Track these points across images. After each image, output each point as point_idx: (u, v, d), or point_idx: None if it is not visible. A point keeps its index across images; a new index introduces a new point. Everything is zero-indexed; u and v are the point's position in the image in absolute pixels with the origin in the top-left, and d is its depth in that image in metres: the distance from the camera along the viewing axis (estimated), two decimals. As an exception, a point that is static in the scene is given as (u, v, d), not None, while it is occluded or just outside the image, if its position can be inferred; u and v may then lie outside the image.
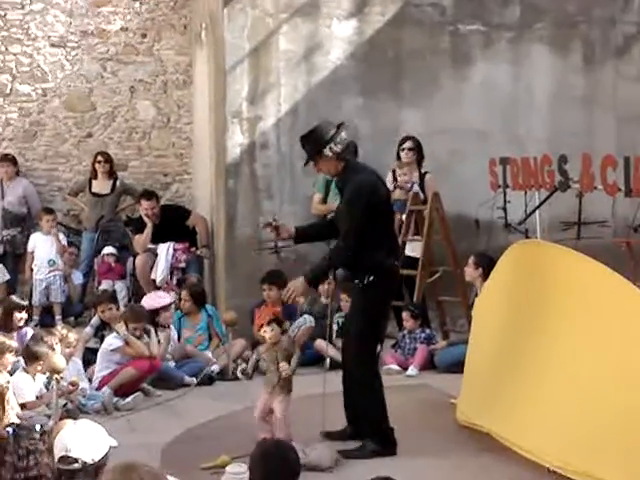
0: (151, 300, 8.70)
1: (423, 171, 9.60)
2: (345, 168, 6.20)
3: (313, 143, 6.16)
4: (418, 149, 9.60)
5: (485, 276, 7.90)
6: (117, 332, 7.87)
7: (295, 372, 6.38)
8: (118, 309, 8.61)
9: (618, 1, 10.50)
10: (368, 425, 6.26)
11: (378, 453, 6.09)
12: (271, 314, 6.63)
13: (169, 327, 8.55)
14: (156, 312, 8.56)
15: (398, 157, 9.62)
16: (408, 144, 9.59)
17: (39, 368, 6.66)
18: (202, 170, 11.30)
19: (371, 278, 6.07)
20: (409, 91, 10.19)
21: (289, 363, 6.32)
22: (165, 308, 8.59)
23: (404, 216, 9.34)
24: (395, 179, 9.45)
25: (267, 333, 6.45)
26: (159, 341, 8.17)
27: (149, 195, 10.50)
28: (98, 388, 7.60)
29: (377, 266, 6.11)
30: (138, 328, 7.93)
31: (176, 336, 8.66)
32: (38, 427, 5.04)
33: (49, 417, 5.90)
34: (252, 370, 6.61)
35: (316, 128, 6.24)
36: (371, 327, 6.19)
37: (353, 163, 6.35)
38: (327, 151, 6.10)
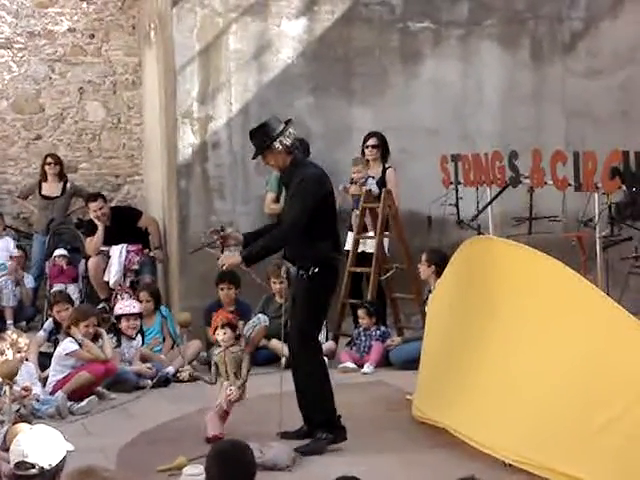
0: (120, 310, 8.69)
1: (387, 166, 9.62)
2: (292, 163, 6.34)
3: (263, 137, 6.30)
4: (382, 145, 9.62)
5: (438, 273, 7.94)
6: (72, 336, 7.79)
7: (247, 378, 6.42)
8: (83, 302, 8.58)
9: (565, -3, 10.61)
10: (317, 414, 6.33)
11: (331, 441, 6.21)
12: (224, 318, 6.64)
13: (134, 337, 8.53)
14: (119, 319, 8.55)
15: (363, 153, 9.64)
16: (372, 141, 9.62)
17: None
18: (153, 171, 11.24)
19: (316, 270, 6.20)
20: (360, 89, 10.20)
21: (240, 369, 6.37)
22: (131, 316, 8.57)
23: (354, 212, 9.38)
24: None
25: (220, 336, 6.48)
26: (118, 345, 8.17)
27: (95, 197, 10.43)
28: (52, 392, 7.51)
29: (322, 258, 6.25)
30: (89, 325, 7.86)
31: (140, 344, 8.61)
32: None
33: (2, 423, 5.84)
34: (215, 376, 6.63)
35: (265, 123, 6.41)
36: (314, 318, 6.35)
37: (300, 158, 6.47)
38: (277, 144, 6.25)
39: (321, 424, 6.28)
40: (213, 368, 6.63)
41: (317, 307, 6.37)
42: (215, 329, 6.64)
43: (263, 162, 6.55)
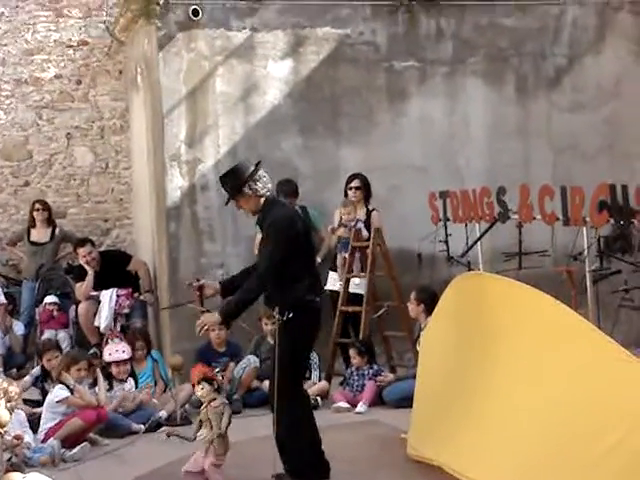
0: (109, 356, 8.64)
1: (370, 207, 9.63)
2: (264, 205, 6.31)
3: (233, 182, 6.29)
4: (365, 187, 9.64)
5: (428, 310, 7.94)
6: (63, 383, 7.73)
7: (225, 431, 6.32)
8: (73, 347, 8.54)
9: (548, 35, 10.69)
10: (287, 461, 6.25)
11: None
12: (200, 373, 6.60)
13: (125, 380, 8.49)
14: (109, 364, 8.51)
15: (346, 195, 9.66)
16: (355, 183, 9.63)
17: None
18: (142, 215, 11.24)
19: (291, 315, 6.12)
20: (347, 129, 10.26)
21: (220, 422, 6.29)
22: (122, 362, 8.54)
23: (347, 254, 9.37)
24: (341, 217, 9.47)
25: (199, 392, 6.47)
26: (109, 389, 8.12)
27: (83, 242, 10.44)
28: (44, 440, 7.44)
29: (297, 302, 6.17)
30: (81, 369, 7.82)
31: (133, 387, 8.55)
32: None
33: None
34: (196, 432, 6.58)
35: (235, 168, 6.41)
36: (292, 362, 6.23)
37: (271, 200, 6.41)
38: (247, 189, 6.24)
39: (289, 471, 6.22)
40: (196, 424, 6.58)
41: (296, 352, 6.24)
42: (194, 385, 6.62)
43: (236, 207, 6.50)
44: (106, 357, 8.69)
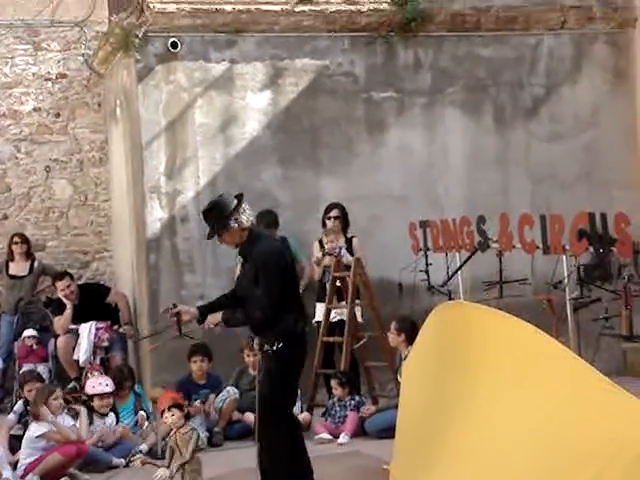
0: (92, 389, 8.58)
1: (349, 236, 9.63)
2: (248, 238, 6.32)
3: (217, 217, 6.29)
4: (343, 216, 9.66)
5: (409, 340, 7.93)
6: (40, 419, 7.65)
7: (195, 457, 6.28)
8: (52, 382, 8.46)
9: (525, 65, 10.77)
10: None
11: None
12: (170, 399, 6.57)
13: (107, 415, 8.43)
14: (91, 398, 8.45)
15: (324, 224, 9.66)
16: (334, 212, 9.65)
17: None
18: (122, 247, 11.20)
19: (280, 345, 6.14)
20: (326, 159, 10.28)
21: (187, 448, 6.29)
22: (104, 395, 8.48)
23: (328, 283, 9.36)
24: (322, 246, 9.46)
25: (169, 419, 6.45)
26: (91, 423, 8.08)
27: (61, 275, 10.40)
28: (23, 476, 7.38)
29: (285, 332, 6.19)
30: (58, 397, 7.76)
31: (115, 422, 8.48)
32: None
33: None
34: (169, 460, 6.55)
35: (217, 202, 6.40)
36: (279, 392, 6.25)
37: (255, 232, 6.44)
38: (232, 223, 6.24)
39: None
40: (168, 452, 6.53)
41: (281, 382, 6.26)
42: (162, 412, 6.58)
43: (218, 241, 6.49)
44: (89, 390, 8.63)
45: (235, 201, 6.31)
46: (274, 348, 6.14)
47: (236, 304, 6.47)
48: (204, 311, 6.50)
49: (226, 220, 6.22)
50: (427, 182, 10.42)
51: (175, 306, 6.51)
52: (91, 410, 8.42)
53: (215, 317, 6.36)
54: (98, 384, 8.64)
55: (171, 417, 6.45)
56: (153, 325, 9.54)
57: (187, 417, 6.57)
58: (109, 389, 8.59)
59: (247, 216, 6.30)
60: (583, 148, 10.78)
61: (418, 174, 10.41)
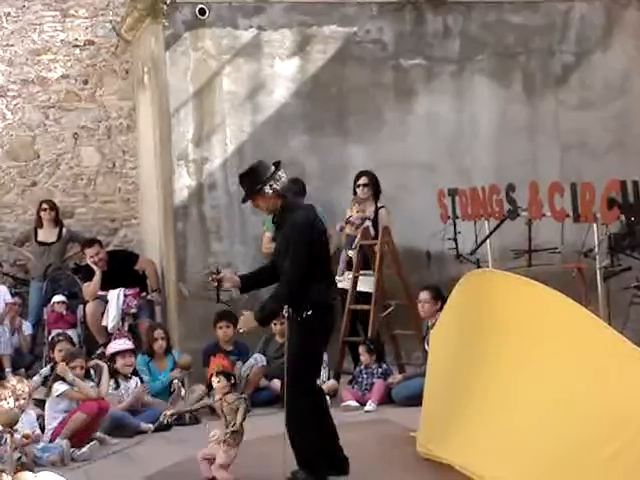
0: (113, 349, 8.64)
1: (379, 205, 9.60)
2: (282, 206, 6.34)
3: (253, 181, 6.31)
4: (373, 184, 9.61)
5: (440, 308, 7.92)
6: (62, 378, 7.72)
7: (242, 426, 6.35)
8: (81, 348, 8.52)
9: (555, 32, 10.65)
10: (298, 454, 6.27)
11: None
12: (220, 365, 6.61)
13: (130, 377, 8.47)
14: (113, 359, 8.49)
15: (354, 192, 9.63)
16: (363, 180, 9.61)
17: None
18: (150, 214, 11.22)
19: (309, 313, 6.16)
20: (354, 127, 10.23)
21: (235, 417, 6.32)
22: (123, 354, 8.51)
23: (351, 252, 9.34)
24: (350, 215, 9.44)
25: (215, 384, 6.52)
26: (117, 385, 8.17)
27: (91, 242, 10.46)
28: (51, 440, 7.44)
29: (316, 301, 6.22)
30: (76, 367, 7.81)
31: (138, 385, 8.52)
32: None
33: (3, 472, 5.76)
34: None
35: (255, 167, 6.42)
36: (306, 361, 6.28)
37: (290, 200, 6.46)
38: (267, 189, 6.26)
39: (301, 463, 6.25)
40: (198, 397, 6.59)
41: (310, 351, 6.30)
42: (211, 376, 6.61)
43: (252, 205, 6.54)
44: (109, 350, 8.67)
45: (272, 168, 6.33)
46: (303, 316, 6.16)
47: (275, 277, 6.46)
48: (245, 282, 6.52)
49: (262, 185, 6.24)
50: (455, 150, 10.36)
51: (219, 272, 6.50)
52: (116, 373, 8.44)
53: (247, 321, 6.37)
54: (118, 344, 8.69)
55: (217, 383, 6.49)
56: (180, 291, 9.56)
57: (234, 386, 6.59)
58: (127, 346, 8.62)
59: (283, 184, 6.31)
60: (614, 116, 10.67)
61: (446, 142, 10.35)
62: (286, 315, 6.26)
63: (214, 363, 6.70)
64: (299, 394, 6.23)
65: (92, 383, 7.91)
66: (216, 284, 6.43)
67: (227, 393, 6.46)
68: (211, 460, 6.39)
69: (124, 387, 8.41)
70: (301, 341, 6.21)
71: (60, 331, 9.82)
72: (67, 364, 7.81)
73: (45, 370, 8.47)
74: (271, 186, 6.24)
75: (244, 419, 6.37)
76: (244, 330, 6.48)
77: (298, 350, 6.23)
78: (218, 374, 6.50)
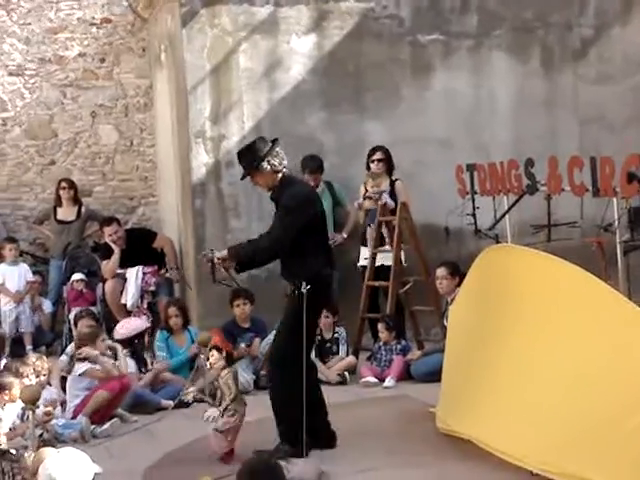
0: (125, 330, 8.64)
1: (394, 178, 9.58)
2: (281, 182, 6.40)
3: (250, 158, 6.39)
4: (387, 159, 9.59)
5: (460, 284, 7.91)
6: (84, 359, 7.76)
7: (230, 404, 6.38)
8: (101, 326, 8.51)
9: (574, 6, 10.56)
10: (283, 426, 6.35)
11: (290, 454, 6.16)
12: (214, 341, 6.67)
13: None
14: (131, 341, 8.52)
15: (368, 168, 9.61)
16: (377, 155, 9.59)
17: (6, 397, 6.57)
18: (168, 192, 11.24)
19: (308, 287, 6.20)
20: (371, 103, 10.20)
21: (230, 391, 6.38)
22: (140, 335, 8.55)
23: (370, 227, 9.34)
24: (366, 190, 9.42)
25: (210, 358, 6.60)
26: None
27: (109, 221, 10.48)
28: (73, 417, 7.49)
29: (313, 275, 6.27)
30: (105, 339, 7.88)
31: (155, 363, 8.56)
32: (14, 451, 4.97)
33: (25, 448, 5.81)
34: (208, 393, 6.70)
35: (252, 144, 6.52)
36: (299, 334, 6.30)
37: (288, 176, 6.51)
38: (265, 165, 6.32)
39: (283, 435, 6.31)
40: (218, 393, 6.62)
41: (302, 325, 6.31)
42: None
43: (251, 182, 6.60)
44: (118, 336, 8.67)
45: (270, 144, 6.40)
46: (302, 290, 6.21)
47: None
48: (233, 252, 6.52)
49: (259, 161, 6.30)
50: (473, 126, 10.32)
51: (212, 251, 6.55)
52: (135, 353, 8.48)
53: (222, 252, 6.41)
54: (127, 327, 8.71)
55: (211, 357, 6.56)
56: (198, 270, 9.58)
57: (229, 361, 6.62)
58: (142, 326, 8.64)
59: (280, 160, 6.37)
60: (633, 90, 10.58)
61: (464, 118, 10.30)
62: (304, 291, 6.29)
63: (211, 338, 6.77)
64: (286, 367, 6.31)
65: (112, 361, 7.96)
66: (210, 264, 6.48)
67: (223, 368, 6.50)
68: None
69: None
70: (298, 315, 6.26)
71: (82, 308, 9.86)
72: (92, 342, 7.85)
73: (70, 348, 8.50)
74: (269, 162, 6.32)
75: (238, 391, 6.43)
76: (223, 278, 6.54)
77: (293, 324, 6.29)
78: (211, 349, 6.57)
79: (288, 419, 6.32)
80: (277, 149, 6.39)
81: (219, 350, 6.58)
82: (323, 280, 6.39)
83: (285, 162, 6.43)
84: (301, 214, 6.28)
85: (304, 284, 6.21)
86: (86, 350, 7.76)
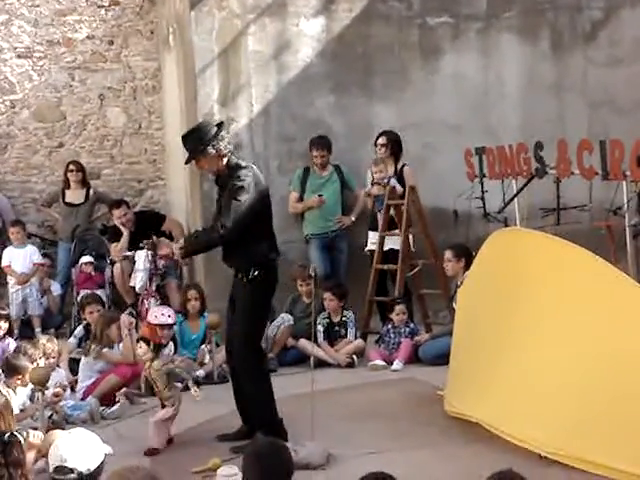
0: (155, 319, 8.63)
1: (401, 164, 9.56)
2: (227, 166, 6.31)
3: (196, 142, 6.28)
4: (392, 143, 9.55)
5: (467, 266, 7.90)
6: (107, 342, 7.80)
7: (172, 390, 6.51)
8: (109, 308, 8.58)
9: (583, -13, 10.54)
10: (257, 419, 6.35)
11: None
12: (142, 331, 6.69)
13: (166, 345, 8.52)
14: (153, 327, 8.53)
15: (376, 153, 9.60)
16: (381, 140, 9.55)
17: (19, 382, 6.59)
18: (176, 175, 11.23)
19: (255, 273, 6.20)
20: (380, 86, 10.17)
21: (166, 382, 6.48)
22: (165, 327, 8.54)
23: (380, 214, 9.33)
24: (373, 177, 9.40)
25: (138, 350, 6.64)
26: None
27: (118, 203, 10.47)
28: (83, 398, 7.52)
29: (261, 260, 6.25)
30: (121, 326, 7.89)
31: (172, 351, 8.56)
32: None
33: (36, 429, 5.84)
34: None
35: (197, 127, 6.47)
36: (255, 322, 6.34)
37: (234, 160, 6.37)
38: (210, 149, 6.22)
39: (261, 426, 6.26)
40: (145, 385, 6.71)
41: (257, 310, 6.35)
42: (138, 341, 6.69)
43: (196, 167, 6.54)
44: (151, 319, 8.65)
45: (215, 128, 6.31)
46: (249, 276, 6.20)
47: None
48: (189, 246, 6.50)
49: (204, 146, 6.20)
50: (482, 109, 10.29)
51: (153, 238, 6.81)
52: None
53: (172, 245, 6.47)
54: (161, 315, 8.66)
55: (139, 349, 6.57)
56: (208, 252, 9.55)
57: (155, 352, 6.62)
58: (171, 321, 8.62)
59: (226, 144, 6.26)
60: (643, 73, 10.55)
61: (473, 101, 10.27)
62: (312, 275, 6.28)
63: (143, 330, 6.78)
64: (252, 354, 6.32)
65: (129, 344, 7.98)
66: (152, 252, 6.49)
67: (152, 360, 6.51)
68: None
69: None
70: (251, 303, 6.27)
71: (89, 292, 9.88)
72: (107, 326, 7.88)
73: (79, 331, 8.52)
74: (214, 146, 6.21)
75: (167, 385, 6.43)
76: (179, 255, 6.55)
77: (248, 313, 6.29)
78: (139, 340, 6.57)
79: (258, 408, 6.34)
80: (222, 133, 6.28)
81: (147, 342, 6.57)
82: (269, 265, 6.31)
83: (231, 146, 6.33)
84: (252, 201, 6.17)
85: (252, 270, 6.19)
86: (107, 356, 7.80)
